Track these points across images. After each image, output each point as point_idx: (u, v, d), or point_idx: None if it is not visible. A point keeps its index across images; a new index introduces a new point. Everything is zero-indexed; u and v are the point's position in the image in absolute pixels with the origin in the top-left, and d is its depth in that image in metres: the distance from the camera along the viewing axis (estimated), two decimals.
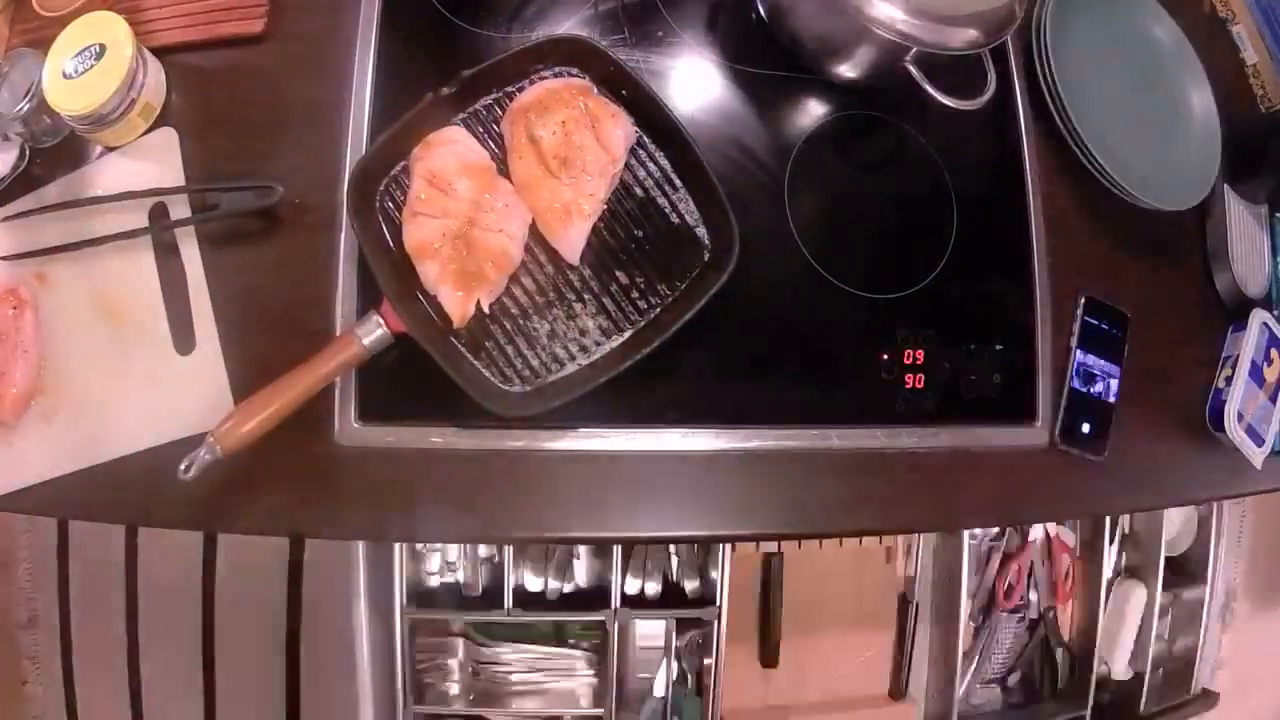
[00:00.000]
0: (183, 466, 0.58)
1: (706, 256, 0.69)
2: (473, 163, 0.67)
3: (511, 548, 1.16)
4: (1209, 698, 1.53)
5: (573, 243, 0.67)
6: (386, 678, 1.19)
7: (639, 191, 0.70)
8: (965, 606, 1.31)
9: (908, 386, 0.73)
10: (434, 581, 1.26)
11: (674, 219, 0.70)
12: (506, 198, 0.67)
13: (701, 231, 0.69)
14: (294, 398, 0.60)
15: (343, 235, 0.68)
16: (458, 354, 0.65)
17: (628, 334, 0.67)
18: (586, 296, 0.68)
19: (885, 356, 0.73)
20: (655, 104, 0.68)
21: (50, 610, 1.45)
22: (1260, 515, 1.97)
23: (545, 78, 0.70)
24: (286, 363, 0.61)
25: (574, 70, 0.70)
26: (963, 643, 1.32)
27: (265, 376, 0.61)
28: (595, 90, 0.70)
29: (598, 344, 0.67)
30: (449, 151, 0.66)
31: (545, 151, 0.67)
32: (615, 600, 1.17)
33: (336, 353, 0.61)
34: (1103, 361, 0.78)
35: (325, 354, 0.61)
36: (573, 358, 0.67)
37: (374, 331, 0.62)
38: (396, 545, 1.14)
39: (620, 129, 0.68)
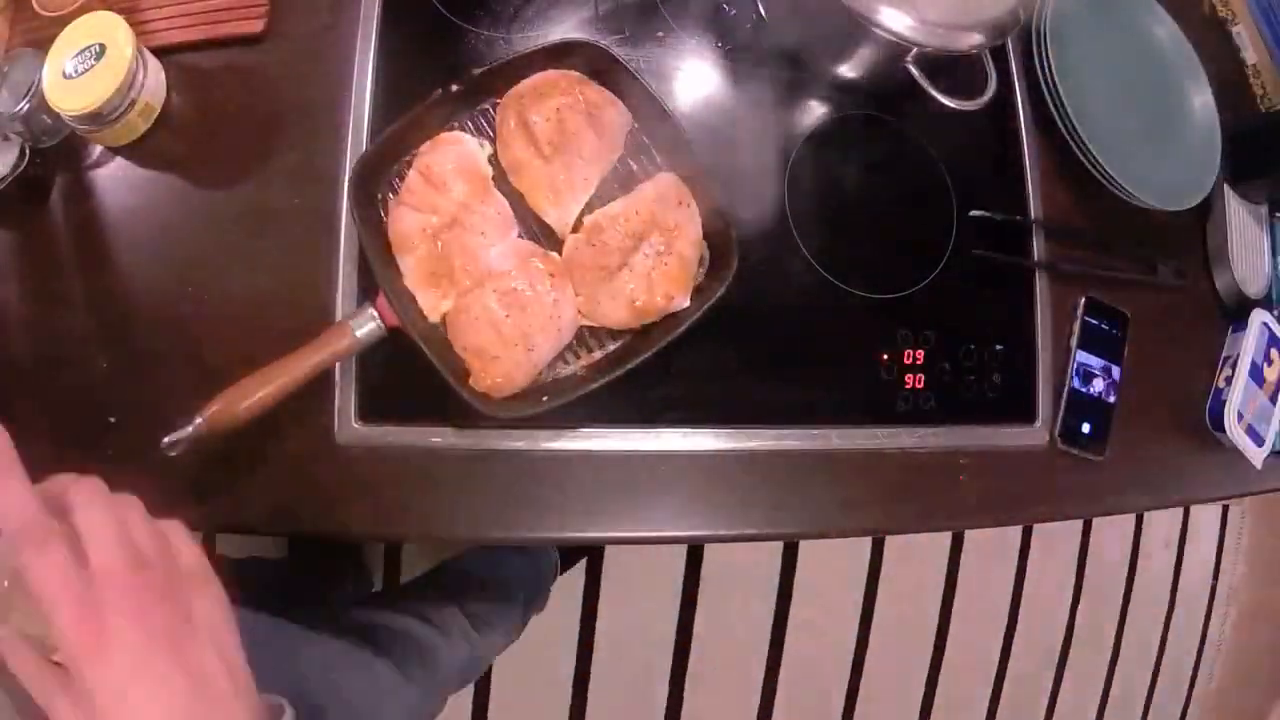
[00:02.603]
0: (167, 441, 0.57)
1: (706, 266, 0.69)
2: (472, 168, 0.66)
3: None
4: None
5: (562, 216, 0.67)
6: None
7: None
8: None
9: (908, 386, 0.73)
10: None
11: None
12: (498, 209, 0.66)
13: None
14: (284, 384, 0.59)
15: (342, 236, 0.68)
16: (451, 352, 0.64)
17: (624, 340, 0.67)
18: None
19: (885, 356, 0.73)
20: (670, 120, 0.67)
21: None
22: (1260, 515, 1.98)
23: None
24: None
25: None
26: None
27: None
28: (593, 83, 0.69)
29: (593, 349, 0.67)
30: (451, 151, 0.66)
31: (538, 137, 0.66)
32: None
33: (328, 342, 0.61)
34: (1103, 361, 0.78)
35: (317, 342, 0.61)
36: (567, 362, 0.66)
37: (367, 324, 0.61)
38: None
39: (620, 115, 0.68)
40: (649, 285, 0.65)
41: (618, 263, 0.65)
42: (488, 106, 0.70)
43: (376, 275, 0.63)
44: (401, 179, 0.66)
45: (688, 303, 0.66)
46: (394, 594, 1.16)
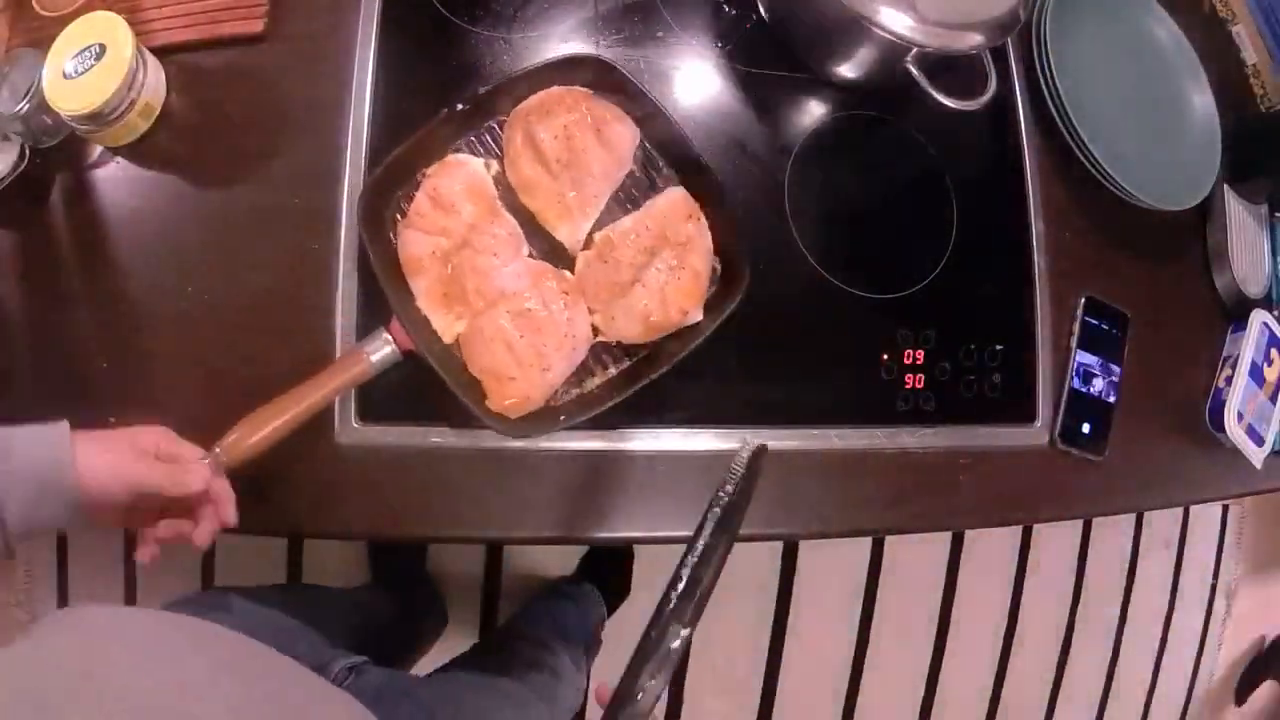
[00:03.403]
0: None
1: (718, 278, 0.68)
2: (480, 189, 0.66)
3: None
4: None
5: (573, 233, 0.67)
6: None
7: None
8: None
9: (908, 386, 0.73)
10: None
11: None
12: (508, 229, 0.66)
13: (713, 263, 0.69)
14: (299, 413, 0.59)
15: (342, 236, 0.68)
16: (466, 374, 0.64)
17: (639, 355, 0.67)
18: None
19: (885, 356, 0.73)
20: (679, 133, 0.67)
21: (49, 611, 1.44)
22: (1260, 515, 1.97)
23: None
24: (284, 366, 0.61)
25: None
26: None
27: (262, 380, 0.61)
28: (599, 98, 0.69)
29: (608, 365, 0.67)
30: (458, 173, 0.66)
31: (546, 155, 0.66)
32: None
33: (343, 369, 0.61)
34: (1103, 361, 0.78)
35: (332, 370, 0.61)
36: (583, 379, 0.67)
37: (382, 349, 0.62)
38: None
39: (627, 130, 0.68)
40: (663, 299, 0.65)
41: (630, 278, 0.65)
42: (494, 124, 0.69)
43: (389, 299, 0.62)
44: (409, 200, 0.66)
45: (701, 316, 0.66)
46: (505, 634, 1.20)
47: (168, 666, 0.43)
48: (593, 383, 0.66)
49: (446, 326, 0.64)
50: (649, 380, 0.63)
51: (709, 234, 0.67)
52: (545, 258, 0.67)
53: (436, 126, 0.66)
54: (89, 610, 0.47)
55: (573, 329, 0.64)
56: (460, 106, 0.66)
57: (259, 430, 0.58)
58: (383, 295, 0.63)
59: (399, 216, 0.66)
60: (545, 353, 0.63)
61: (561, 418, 0.63)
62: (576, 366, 0.66)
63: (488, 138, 0.69)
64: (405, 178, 0.66)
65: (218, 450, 0.58)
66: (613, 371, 0.67)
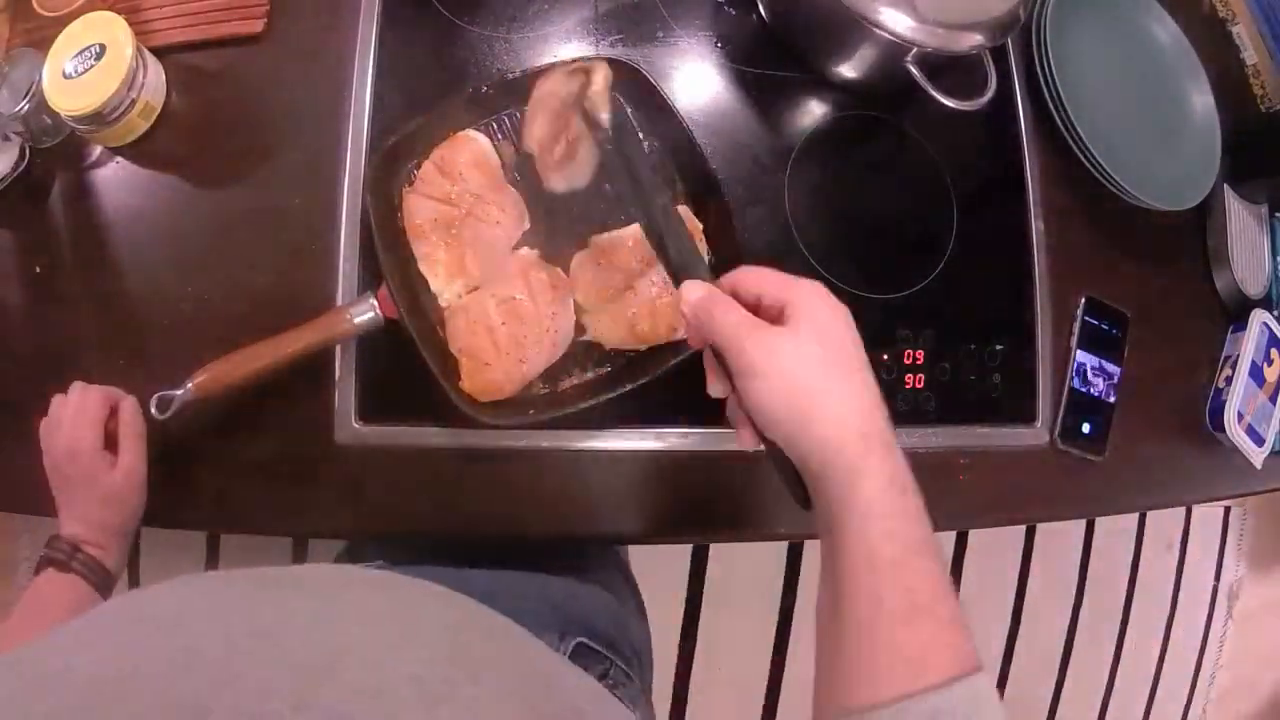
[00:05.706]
0: (156, 401, 0.59)
1: None
2: (485, 162, 0.67)
3: None
4: None
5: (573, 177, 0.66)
6: None
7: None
8: None
9: (908, 386, 0.73)
10: None
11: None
12: (512, 200, 0.67)
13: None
14: (277, 358, 0.60)
15: (343, 235, 0.68)
16: (445, 351, 0.64)
17: (619, 364, 0.67)
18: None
19: (885, 356, 0.73)
20: (698, 155, 0.68)
21: None
22: (1260, 515, 1.97)
23: None
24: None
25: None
26: None
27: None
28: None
29: (586, 369, 0.67)
30: (466, 146, 0.67)
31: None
32: None
33: (325, 324, 0.61)
34: (1103, 361, 0.78)
35: (314, 323, 0.61)
36: (560, 378, 0.66)
37: (366, 312, 0.61)
38: None
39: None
40: (652, 312, 0.65)
41: (623, 285, 0.65)
42: (515, 112, 0.69)
43: (382, 264, 0.63)
44: (417, 171, 0.67)
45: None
46: None
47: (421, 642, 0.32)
48: (568, 383, 0.66)
49: (442, 289, 0.65)
50: (624, 390, 0.63)
51: (709, 256, 0.67)
52: (541, 246, 0.67)
53: (457, 106, 0.67)
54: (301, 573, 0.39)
55: (556, 325, 0.64)
56: (485, 90, 0.67)
57: (234, 367, 0.59)
58: (378, 264, 0.63)
59: (407, 187, 0.67)
60: (525, 344, 0.63)
61: (530, 411, 0.63)
62: (554, 364, 0.66)
63: (507, 122, 0.69)
64: (417, 151, 0.67)
65: (191, 383, 0.58)
66: (590, 375, 0.67)
